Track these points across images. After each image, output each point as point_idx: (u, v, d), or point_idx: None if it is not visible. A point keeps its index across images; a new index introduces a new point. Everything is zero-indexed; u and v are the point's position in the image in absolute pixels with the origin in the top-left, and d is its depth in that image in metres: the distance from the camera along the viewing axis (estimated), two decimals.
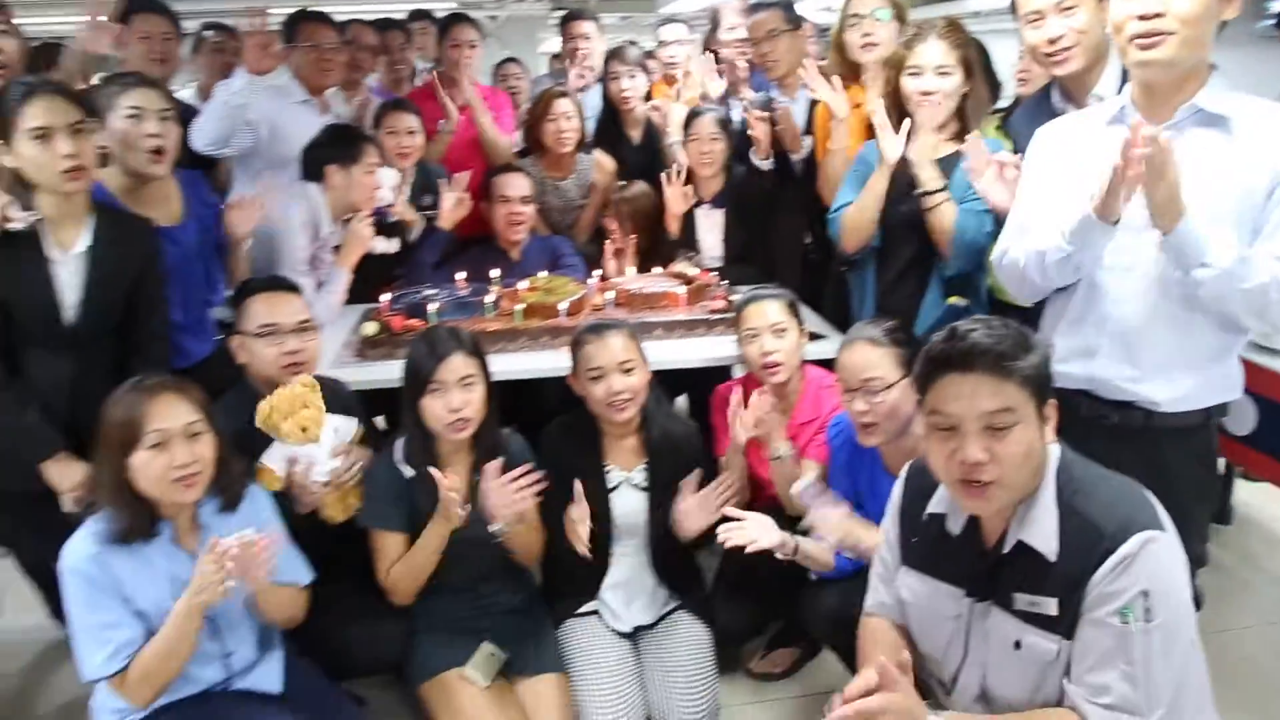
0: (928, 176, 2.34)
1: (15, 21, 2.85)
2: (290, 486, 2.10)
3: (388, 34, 4.05)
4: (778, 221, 3.13)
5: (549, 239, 3.39)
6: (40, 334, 1.99)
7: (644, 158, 3.52)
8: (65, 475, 2.00)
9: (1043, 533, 1.44)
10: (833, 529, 2.01)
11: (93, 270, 2.01)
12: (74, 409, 2.02)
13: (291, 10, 3.28)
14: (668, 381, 2.64)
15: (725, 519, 2.10)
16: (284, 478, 2.10)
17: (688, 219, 3.27)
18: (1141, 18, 1.61)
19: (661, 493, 2.32)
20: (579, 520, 2.18)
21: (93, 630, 1.77)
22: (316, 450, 2.12)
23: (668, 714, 2.24)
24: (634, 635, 2.39)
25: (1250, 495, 3.35)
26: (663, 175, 3.18)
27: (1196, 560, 1.83)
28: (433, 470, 2.06)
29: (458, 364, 2.09)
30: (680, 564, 2.42)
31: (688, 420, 2.47)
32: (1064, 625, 1.42)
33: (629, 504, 2.35)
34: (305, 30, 3.19)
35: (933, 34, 2.29)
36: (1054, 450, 1.50)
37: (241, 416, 2.10)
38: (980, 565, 1.54)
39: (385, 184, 3.00)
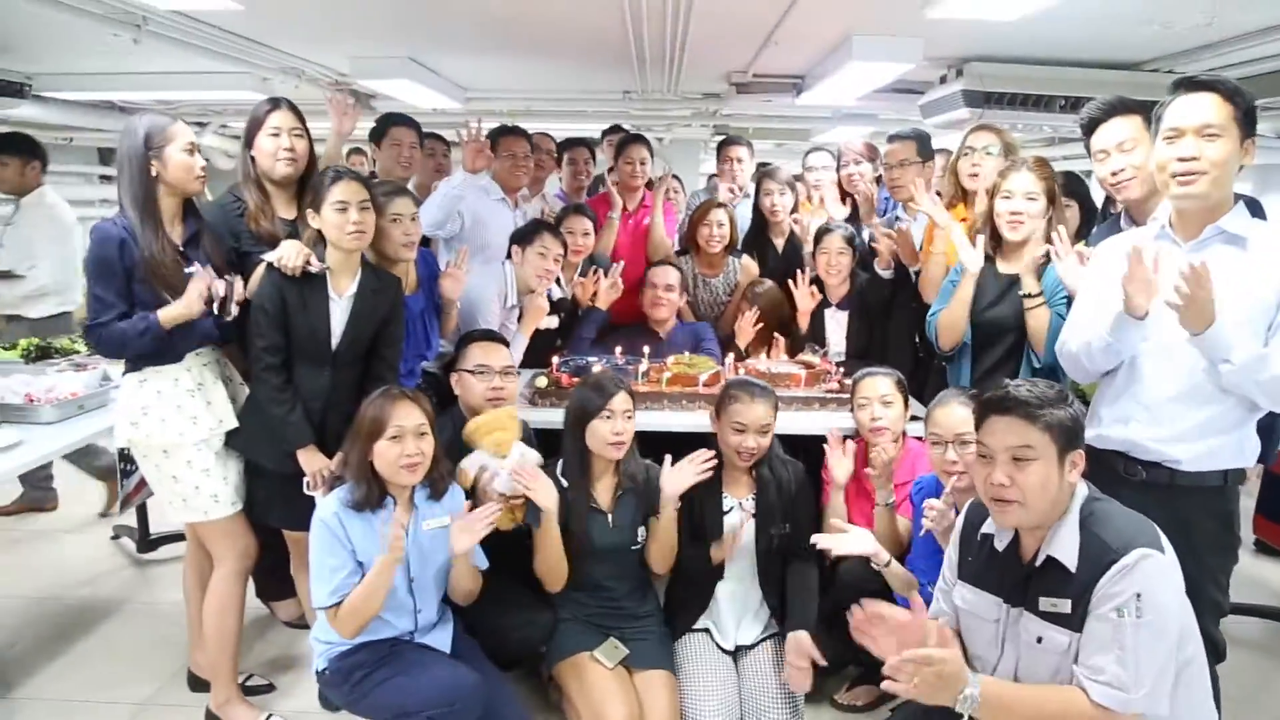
0: (1029, 284, 2.75)
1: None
2: (476, 489, 2.66)
3: (573, 149, 4.79)
4: (892, 323, 3.57)
5: (693, 325, 3.95)
6: (311, 353, 2.63)
7: (785, 263, 4.04)
8: (311, 462, 2.61)
9: (1066, 549, 1.82)
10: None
11: (356, 310, 2.65)
12: (325, 413, 2.65)
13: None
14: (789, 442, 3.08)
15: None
16: (474, 479, 2.66)
17: (818, 318, 3.76)
18: (1181, 159, 2.03)
19: (766, 519, 2.77)
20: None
21: (325, 569, 2.36)
22: (502, 465, 2.68)
23: None
24: (736, 654, 2.80)
25: None
26: (792, 279, 3.69)
27: (1215, 607, 2.13)
28: (525, 469, 2.57)
29: (623, 399, 2.65)
30: (780, 582, 2.81)
31: (796, 463, 2.91)
32: (1075, 621, 1.78)
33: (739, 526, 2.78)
34: (505, 142, 3.91)
35: (1024, 167, 2.75)
36: (1082, 488, 1.89)
37: (446, 433, 2.69)
38: (1017, 577, 1.91)
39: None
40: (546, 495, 2.57)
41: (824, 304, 3.76)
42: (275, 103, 2.79)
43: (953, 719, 1.82)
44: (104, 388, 3.17)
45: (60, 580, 3.74)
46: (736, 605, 2.84)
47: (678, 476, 2.64)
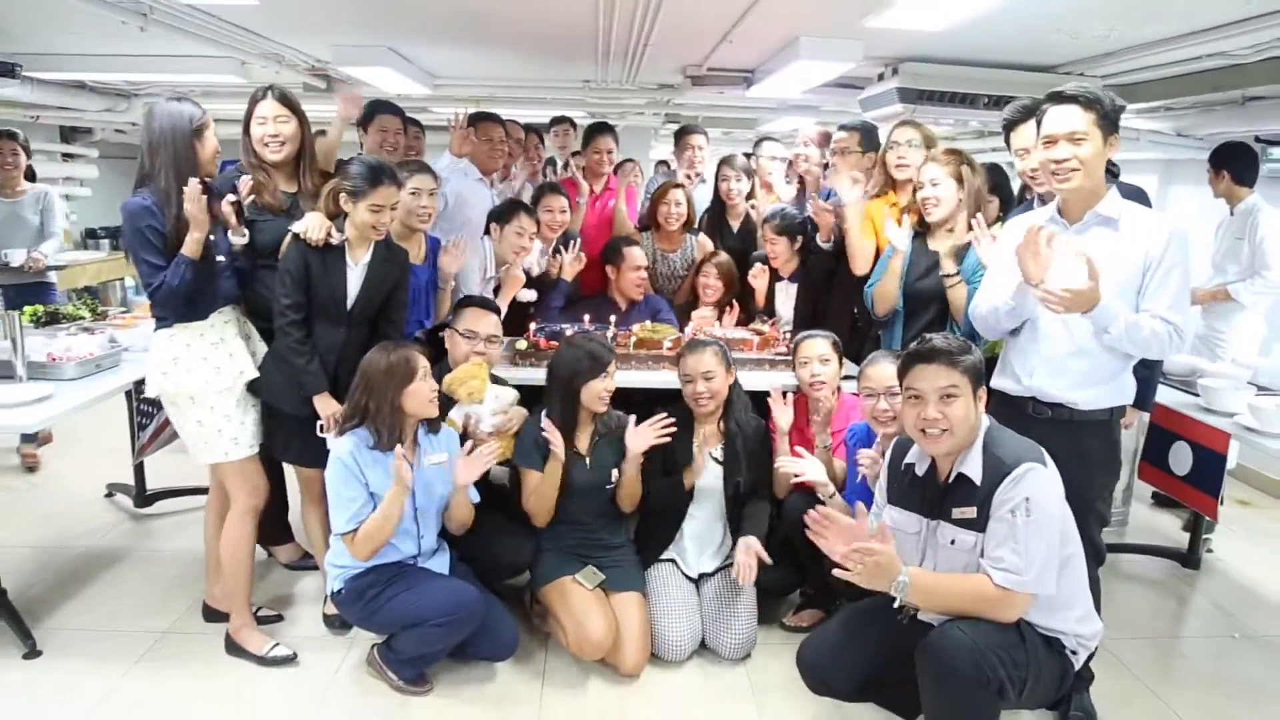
0: (948, 265, 3.18)
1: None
2: (468, 431, 3.03)
3: (528, 136, 5.12)
4: (834, 295, 3.98)
5: (650, 298, 4.32)
6: (330, 313, 2.95)
7: (740, 243, 4.45)
8: (326, 406, 2.93)
9: (973, 467, 2.26)
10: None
11: (369, 276, 2.98)
12: (338, 366, 2.97)
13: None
14: None
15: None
16: (464, 426, 3.04)
17: (771, 291, 4.17)
18: (1056, 161, 2.46)
19: (733, 465, 3.16)
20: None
21: (343, 500, 2.71)
22: (481, 409, 3.07)
23: (717, 641, 3.07)
24: (699, 580, 3.21)
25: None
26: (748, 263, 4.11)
27: (1100, 518, 2.59)
28: (546, 422, 2.99)
29: (614, 364, 3.04)
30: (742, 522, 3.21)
31: (760, 419, 3.30)
32: (980, 523, 2.22)
33: (707, 472, 3.18)
34: (483, 128, 4.26)
35: (931, 160, 3.19)
36: (985, 420, 2.32)
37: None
38: (934, 494, 2.35)
39: (534, 253, 3.99)
40: (559, 445, 2.97)
41: (776, 278, 4.16)
42: (264, 92, 3.04)
43: (885, 608, 2.24)
44: (114, 349, 3.45)
45: (62, 532, 4.00)
46: (700, 541, 3.24)
47: (639, 437, 3.02)
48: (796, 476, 2.90)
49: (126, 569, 3.67)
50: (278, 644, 3.02)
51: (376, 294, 3.02)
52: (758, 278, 4.09)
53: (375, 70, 4.88)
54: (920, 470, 2.40)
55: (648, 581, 3.14)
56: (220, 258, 2.84)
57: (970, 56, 4.22)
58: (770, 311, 4.14)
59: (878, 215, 3.59)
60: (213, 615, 3.19)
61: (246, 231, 2.97)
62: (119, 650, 3.01)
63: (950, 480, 2.31)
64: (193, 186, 2.66)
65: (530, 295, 4.06)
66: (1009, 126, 3.05)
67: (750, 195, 4.57)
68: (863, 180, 3.66)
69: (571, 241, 4.20)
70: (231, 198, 2.93)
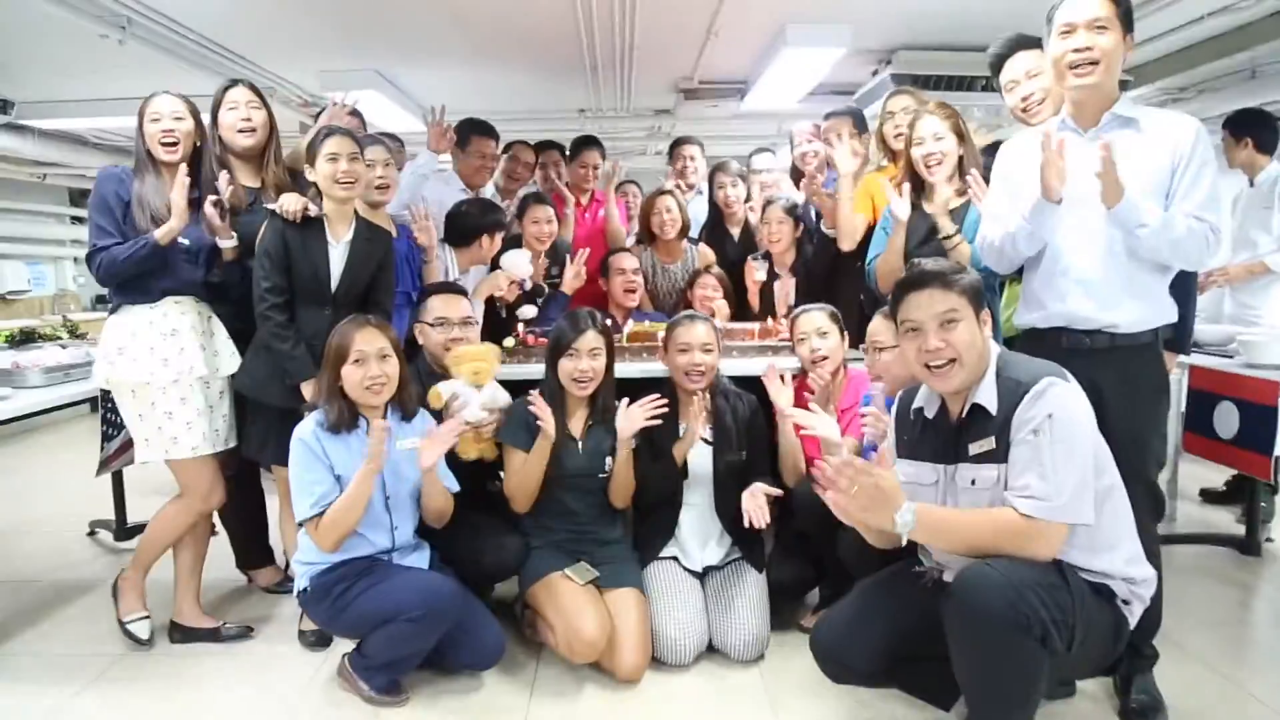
0: (944, 225, 2.97)
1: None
2: (445, 412, 2.82)
3: (547, 151, 4.94)
4: (838, 284, 3.78)
5: (652, 314, 4.13)
6: (312, 295, 2.81)
7: (742, 251, 4.26)
8: (313, 392, 2.73)
9: (987, 395, 2.01)
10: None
11: (352, 255, 2.85)
12: (324, 350, 2.76)
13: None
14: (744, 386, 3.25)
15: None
16: (445, 404, 2.82)
17: (768, 287, 3.97)
18: (1076, 50, 2.25)
19: (723, 446, 2.93)
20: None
21: (305, 484, 2.50)
22: (474, 396, 2.85)
23: (726, 640, 2.78)
24: (703, 575, 2.94)
25: None
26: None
27: (1156, 459, 2.33)
28: (531, 394, 2.78)
29: (590, 338, 2.82)
30: (738, 510, 2.95)
31: (748, 394, 3.08)
32: (1000, 453, 1.96)
33: (698, 455, 2.94)
34: (475, 141, 4.11)
35: (926, 112, 2.98)
36: (993, 345, 2.09)
37: (414, 384, 2.82)
38: (948, 436, 2.10)
39: (522, 262, 3.84)
40: (550, 423, 2.74)
41: (773, 275, 3.97)
42: (233, 82, 3.02)
43: (905, 574, 2.04)
44: (86, 359, 3.31)
45: (37, 567, 3.80)
46: (699, 531, 2.98)
47: (630, 419, 2.80)
48: (803, 429, 2.65)
49: (97, 598, 3.42)
50: (146, 618, 2.93)
51: (361, 273, 2.88)
52: (754, 273, 3.90)
53: (364, 94, 4.84)
54: (930, 413, 2.16)
55: (647, 578, 2.88)
56: (184, 240, 2.75)
57: (962, 41, 4.10)
58: (772, 310, 3.94)
59: (876, 189, 3.41)
60: (183, 635, 2.96)
61: (235, 235, 2.86)
62: (74, 673, 2.77)
63: (964, 416, 2.06)
64: (181, 173, 2.65)
65: (531, 312, 3.89)
66: (998, 63, 2.85)
67: (747, 199, 4.43)
68: (863, 152, 3.50)
69: (571, 254, 4.04)
70: (213, 198, 2.83)
